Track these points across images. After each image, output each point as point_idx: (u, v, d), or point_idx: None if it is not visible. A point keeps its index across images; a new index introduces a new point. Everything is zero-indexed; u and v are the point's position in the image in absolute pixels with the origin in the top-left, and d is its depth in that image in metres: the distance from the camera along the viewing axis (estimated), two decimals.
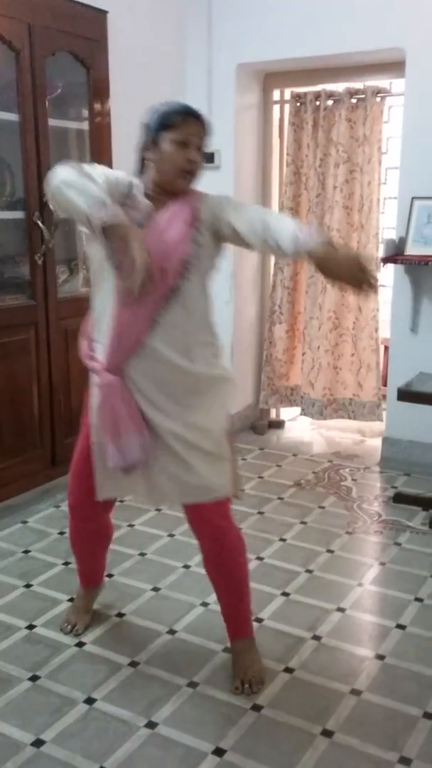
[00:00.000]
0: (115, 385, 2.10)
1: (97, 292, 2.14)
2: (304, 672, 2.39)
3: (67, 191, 1.88)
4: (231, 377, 2.33)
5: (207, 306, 2.20)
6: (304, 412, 4.66)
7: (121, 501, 3.54)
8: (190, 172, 2.08)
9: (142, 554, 3.14)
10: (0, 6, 3.12)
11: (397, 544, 3.26)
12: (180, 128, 2.04)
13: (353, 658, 2.47)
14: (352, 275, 1.89)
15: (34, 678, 2.34)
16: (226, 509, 2.27)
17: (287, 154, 4.46)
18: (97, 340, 2.15)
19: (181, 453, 2.13)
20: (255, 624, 2.53)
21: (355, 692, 2.30)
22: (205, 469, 2.15)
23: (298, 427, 4.88)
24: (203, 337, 2.19)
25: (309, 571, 3.02)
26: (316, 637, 2.58)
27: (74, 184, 1.88)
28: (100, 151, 3.70)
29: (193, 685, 2.32)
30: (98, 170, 2.02)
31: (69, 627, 2.59)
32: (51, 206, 2.01)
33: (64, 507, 3.50)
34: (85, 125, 3.74)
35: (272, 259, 4.66)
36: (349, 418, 4.56)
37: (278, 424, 4.87)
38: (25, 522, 3.41)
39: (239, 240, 2.08)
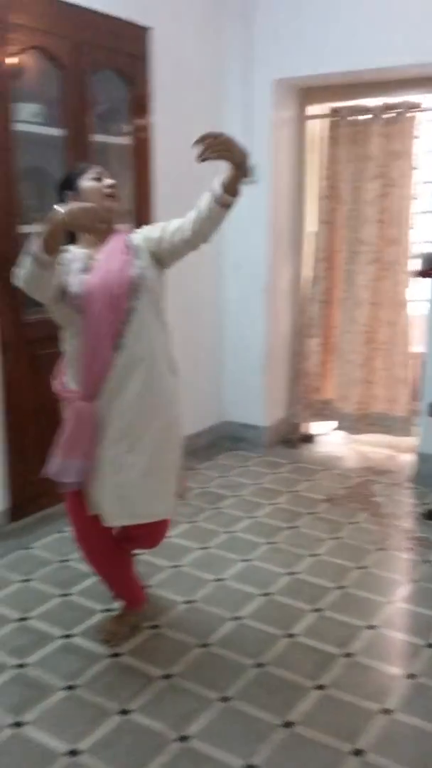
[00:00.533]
0: (86, 411, 2.36)
1: (67, 340, 2.40)
2: (335, 690, 2.41)
3: (28, 282, 2.22)
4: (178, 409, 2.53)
5: (163, 331, 2.47)
6: (337, 426, 4.67)
7: None
8: (112, 195, 2.40)
9: (176, 566, 3.18)
10: (47, 24, 3.19)
11: (428, 561, 3.25)
12: (89, 171, 2.42)
13: (384, 677, 2.48)
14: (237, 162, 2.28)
15: (70, 687, 2.39)
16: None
17: (323, 169, 4.48)
18: (71, 379, 2.42)
19: (127, 480, 2.40)
20: (287, 639, 2.60)
21: (386, 711, 2.30)
22: (151, 495, 2.45)
23: (331, 441, 4.88)
24: (163, 364, 2.45)
25: (341, 587, 3.03)
26: (348, 654, 2.59)
27: (21, 276, 2.21)
28: (141, 165, 3.76)
29: (225, 699, 2.35)
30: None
31: (110, 636, 2.65)
32: (31, 293, 2.28)
33: None
34: (127, 140, 3.80)
35: (307, 273, 4.68)
36: (382, 432, 4.56)
37: (311, 438, 4.88)
38: (61, 531, 3.46)
39: (168, 240, 2.38)
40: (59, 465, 2.41)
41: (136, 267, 2.35)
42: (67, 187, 2.41)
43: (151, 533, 2.59)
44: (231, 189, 2.29)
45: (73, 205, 2.17)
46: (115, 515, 2.43)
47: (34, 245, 2.13)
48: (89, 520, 2.45)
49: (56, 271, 2.22)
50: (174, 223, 2.41)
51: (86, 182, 2.39)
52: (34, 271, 2.16)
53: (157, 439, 2.41)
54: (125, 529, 2.56)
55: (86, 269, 2.33)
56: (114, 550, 2.61)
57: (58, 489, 2.47)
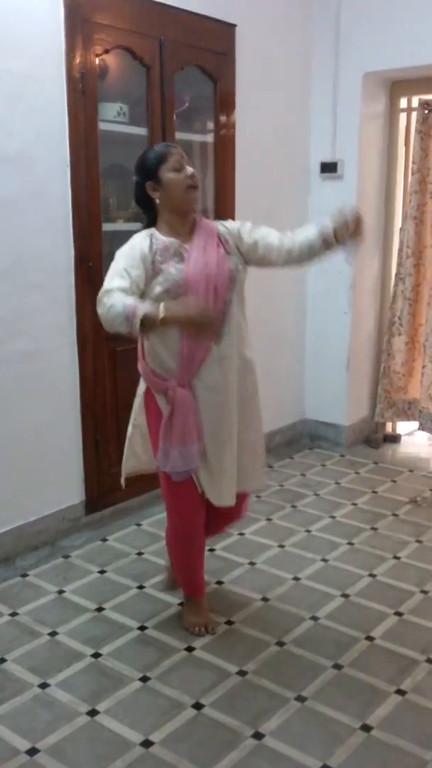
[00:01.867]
0: (188, 400, 2.40)
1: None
2: (416, 695, 2.32)
3: (110, 326, 2.22)
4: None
5: (246, 323, 2.54)
6: (421, 427, 4.53)
7: None
8: (193, 186, 2.39)
9: (252, 563, 3.15)
10: (132, 23, 3.23)
11: None
12: (169, 159, 2.37)
13: None
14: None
15: (144, 679, 2.39)
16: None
17: (413, 163, 4.36)
18: (158, 366, 2.43)
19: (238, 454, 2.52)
20: (366, 642, 2.54)
21: None
22: (254, 465, 2.58)
23: (416, 442, 4.74)
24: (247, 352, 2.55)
25: (424, 592, 2.93)
26: (430, 660, 2.49)
27: (106, 317, 2.20)
28: (224, 162, 3.75)
29: (301, 699, 2.30)
30: (121, 271, 2.28)
31: (201, 629, 2.64)
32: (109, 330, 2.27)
33: None
34: (209, 137, 3.80)
35: (393, 270, 4.57)
36: None
37: (394, 438, 4.76)
38: (138, 525, 3.49)
39: (260, 252, 2.43)
40: (178, 455, 2.40)
41: (232, 261, 2.42)
42: (149, 176, 2.39)
43: (239, 505, 2.65)
44: (339, 238, 2.37)
45: (176, 310, 2.15)
46: (231, 494, 2.52)
47: (133, 319, 2.11)
48: (190, 504, 2.51)
49: (147, 275, 2.32)
50: (263, 232, 2.45)
51: (168, 174, 2.36)
52: (121, 330, 2.19)
53: (258, 413, 2.60)
54: (219, 507, 2.57)
55: (180, 258, 2.35)
56: (202, 535, 2.63)
57: (174, 478, 2.47)
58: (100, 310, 2.22)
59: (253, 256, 2.46)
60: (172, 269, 2.32)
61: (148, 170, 2.39)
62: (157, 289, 2.31)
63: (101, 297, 2.22)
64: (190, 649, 2.55)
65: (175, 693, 2.33)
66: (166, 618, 2.73)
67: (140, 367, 2.53)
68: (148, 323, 2.11)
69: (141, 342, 2.48)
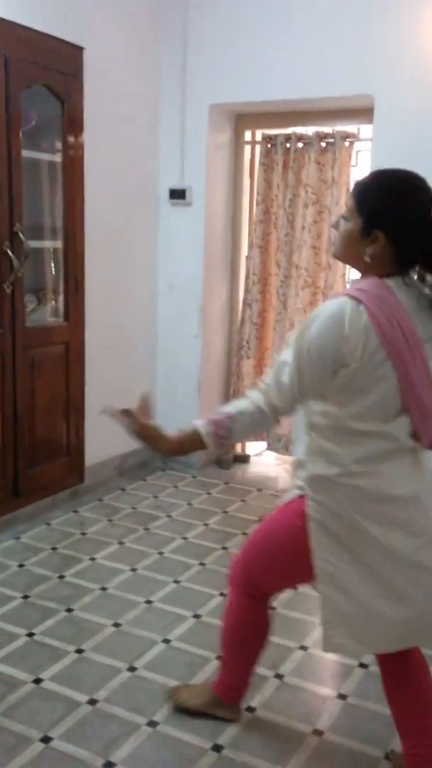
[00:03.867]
0: None
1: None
2: (265, 711, 2.36)
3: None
4: None
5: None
6: (269, 447, 4.67)
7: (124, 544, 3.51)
8: None
9: (104, 588, 3.09)
10: None
11: None
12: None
13: (315, 697, 2.45)
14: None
15: None
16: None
17: (257, 194, 4.53)
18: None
19: None
20: (218, 662, 2.50)
21: (317, 732, 2.27)
22: None
23: (264, 461, 4.88)
24: None
25: (272, 608, 2.98)
26: (279, 676, 2.55)
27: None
28: (72, 183, 3.72)
29: (153, 724, 2.28)
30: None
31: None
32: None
33: (25, 539, 3.47)
34: (58, 157, 3.76)
35: (241, 296, 4.71)
36: None
37: (244, 459, 4.87)
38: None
39: None
40: None
41: None
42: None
43: None
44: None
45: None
46: None
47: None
48: None
49: None
50: None
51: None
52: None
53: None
54: None
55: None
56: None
57: None
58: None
59: None
60: None
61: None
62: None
63: None
64: (37, 681, 2.46)
65: (22, 728, 2.23)
66: (13, 650, 2.62)
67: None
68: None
69: None
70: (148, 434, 1.93)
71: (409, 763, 1.97)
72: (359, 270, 1.86)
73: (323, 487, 1.83)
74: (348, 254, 1.85)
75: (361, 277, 1.83)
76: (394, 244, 1.75)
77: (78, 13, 3.73)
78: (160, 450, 1.96)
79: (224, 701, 2.27)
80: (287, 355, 1.79)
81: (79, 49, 3.68)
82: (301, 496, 1.90)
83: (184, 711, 2.31)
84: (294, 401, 1.81)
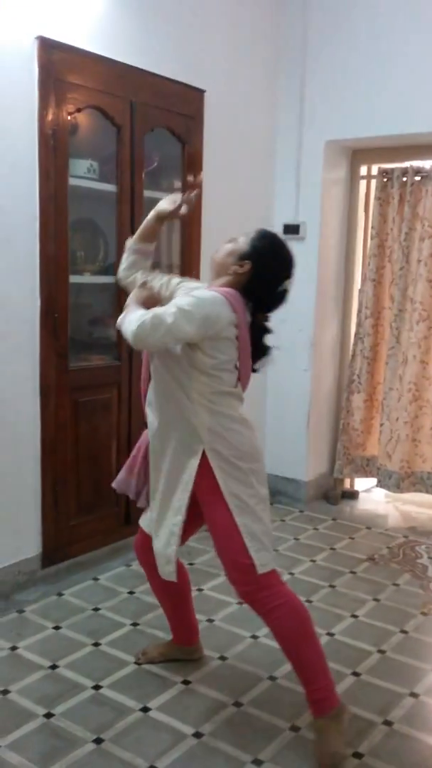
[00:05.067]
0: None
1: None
2: (373, 759, 2.30)
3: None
4: None
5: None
6: (379, 484, 4.58)
7: (191, 564, 3.55)
8: None
9: (210, 620, 3.11)
10: (105, 85, 3.32)
11: None
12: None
13: (427, 748, 2.36)
14: None
15: (98, 741, 2.33)
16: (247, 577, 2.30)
17: (372, 227, 4.51)
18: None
19: None
20: None
21: None
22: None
23: (373, 498, 4.79)
24: None
25: (381, 652, 2.92)
26: (388, 722, 2.48)
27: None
28: (190, 221, 3.83)
29: (257, 762, 2.26)
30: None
31: (140, 655, 2.78)
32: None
33: (135, 566, 3.54)
34: None
35: (352, 329, 4.68)
36: (427, 492, 4.45)
37: (352, 495, 4.79)
38: (96, 579, 3.43)
39: None
40: None
41: None
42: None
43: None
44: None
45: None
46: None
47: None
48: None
49: None
50: None
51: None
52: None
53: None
54: None
55: None
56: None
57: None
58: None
59: None
60: None
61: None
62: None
63: None
64: (145, 709, 2.50)
65: (130, 756, 2.27)
66: (122, 677, 2.68)
67: None
68: None
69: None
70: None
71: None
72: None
73: None
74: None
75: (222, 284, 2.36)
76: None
77: (200, 57, 3.86)
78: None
79: (327, 712, 2.30)
80: None
81: (200, 92, 3.81)
82: None
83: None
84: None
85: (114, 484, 2.68)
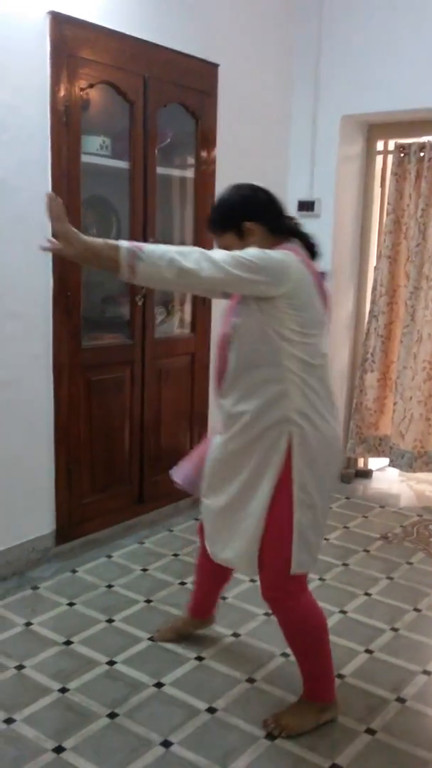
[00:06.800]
0: None
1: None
2: (386, 735, 2.31)
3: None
4: None
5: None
6: (392, 463, 4.57)
7: None
8: None
9: (224, 598, 3.12)
10: (117, 60, 3.28)
11: None
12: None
13: None
14: None
15: (112, 715, 2.35)
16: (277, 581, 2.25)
17: (388, 204, 4.46)
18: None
19: None
20: (337, 680, 2.47)
21: None
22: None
23: (386, 478, 4.78)
24: None
25: (394, 629, 2.93)
26: (401, 699, 2.49)
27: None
28: (204, 197, 3.80)
29: (271, 737, 2.28)
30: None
31: (157, 633, 2.80)
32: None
33: (148, 544, 3.56)
34: (189, 173, 3.86)
35: (367, 307, 4.64)
36: None
37: (366, 474, 4.79)
38: (109, 557, 3.46)
39: None
40: None
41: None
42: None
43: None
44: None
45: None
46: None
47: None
48: None
49: None
50: None
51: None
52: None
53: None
54: None
55: None
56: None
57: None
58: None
59: None
60: None
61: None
62: None
63: None
64: (159, 685, 2.52)
65: (144, 730, 2.29)
66: (136, 653, 2.70)
67: None
68: None
69: None
70: (67, 233, 1.97)
71: None
72: None
73: None
74: None
75: None
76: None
77: (214, 31, 3.80)
78: (74, 249, 1.99)
79: (317, 702, 2.34)
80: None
81: (214, 67, 3.76)
82: None
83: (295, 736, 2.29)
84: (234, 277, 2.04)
85: (179, 480, 2.51)
